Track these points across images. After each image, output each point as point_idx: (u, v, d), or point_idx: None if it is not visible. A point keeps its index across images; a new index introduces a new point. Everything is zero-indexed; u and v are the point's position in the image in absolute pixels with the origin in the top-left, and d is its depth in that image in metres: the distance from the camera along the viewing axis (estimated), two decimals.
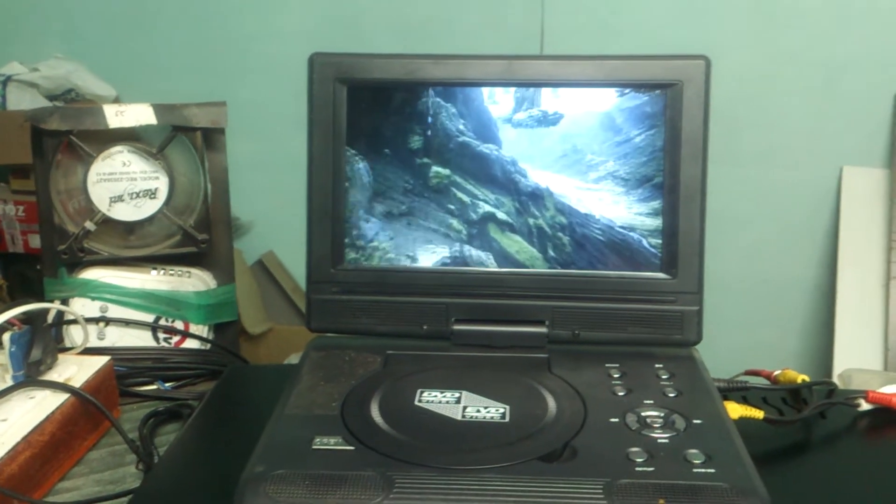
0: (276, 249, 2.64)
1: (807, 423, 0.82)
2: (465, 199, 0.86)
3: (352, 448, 0.66)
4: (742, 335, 2.39)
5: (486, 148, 0.85)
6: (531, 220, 0.85)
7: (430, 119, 0.85)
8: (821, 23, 2.27)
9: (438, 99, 0.84)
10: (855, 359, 2.17)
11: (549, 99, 0.84)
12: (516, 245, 0.85)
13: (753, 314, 2.44)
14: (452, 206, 0.86)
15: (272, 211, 2.40)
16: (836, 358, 2.19)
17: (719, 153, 2.36)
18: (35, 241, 2.43)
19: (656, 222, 0.83)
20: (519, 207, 0.85)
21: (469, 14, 2.41)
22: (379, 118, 0.85)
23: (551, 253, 0.84)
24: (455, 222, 0.86)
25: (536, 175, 0.85)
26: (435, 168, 0.86)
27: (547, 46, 2.37)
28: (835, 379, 1.90)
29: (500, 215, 0.85)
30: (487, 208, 0.85)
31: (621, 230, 0.83)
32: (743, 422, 0.76)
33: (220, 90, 2.52)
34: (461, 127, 0.85)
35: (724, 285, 2.33)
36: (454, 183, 0.86)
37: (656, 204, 0.83)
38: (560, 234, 0.84)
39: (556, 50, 2.36)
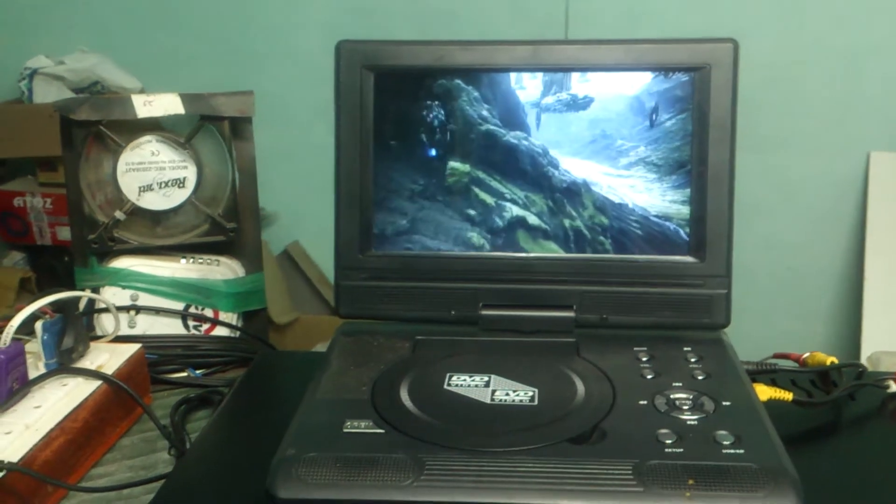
0: (301, 239, 2.66)
1: (836, 404, 0.82)
2: (489, 200, 0.85)
3: (382, 431, 0.67)
4: (768, 323, 2.38)
5: (513, 137, 0.84)
6: (567, 222, 0.84)
7: (450, 105, 0.84)
8: (845, 7, 2.26)
9: (459, 81, 0.84)
10: (883, 345, 2.16)
11: (579, 83, 0.83)
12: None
13: (779, 302, 2.43)
14: (472, 212, 0.85)
15: (298, 201, 2.41)
16: (864, 345, 2.18)
17: (744, 140, 2.35)
18: (63, 234, 2.45)
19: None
20: (552, 206, 0.85)
21: (491, 2, 2.41)
22: (403, 105, 0.85)
23: (569, 219, 0.84)
24: (474, 235, 0.85)
25: (570, 165, 0.84)
26: (452, 164, 0.85)
27: (571, 34, 2.36)
28: (863, 362, 1.89)
29: (532, 219, 0.85)
30: (516, 211, 0.85)
31: (657, 219, 0.83)
32: (772, 404, 0.76)
33: (245, 81, 2.53)
34: (485, 113, 0.85)
35: (750, 273, 2.33)
36: (476, 181, 0.85)
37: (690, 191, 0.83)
38: (601, 238, 0.84)
39: (580, 37, 2.36)
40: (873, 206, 2.31)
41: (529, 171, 0.85)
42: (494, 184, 0.85)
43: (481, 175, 0.85)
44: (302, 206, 2.37)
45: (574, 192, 0.84)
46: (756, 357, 0.87)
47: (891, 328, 2.20)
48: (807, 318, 2.45)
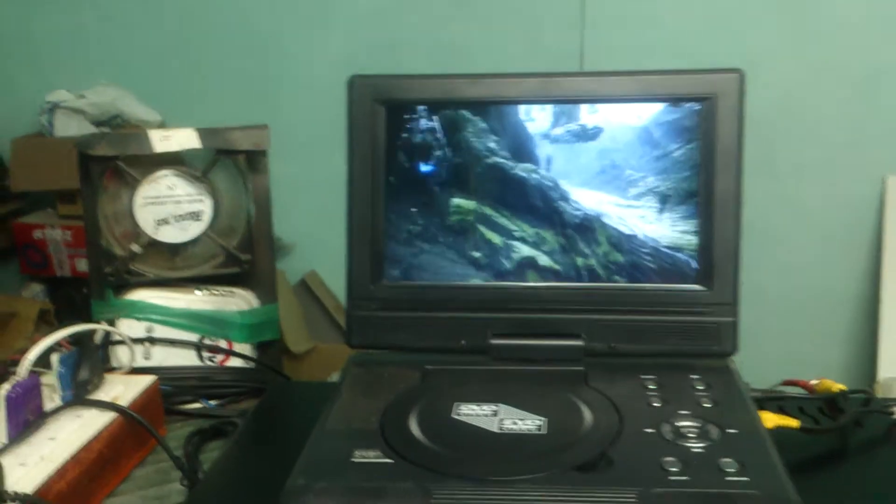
0: (318, 269, 2.67)
1: (843, 431, 0.82)
2: (497, 239, 0.85)
3: (391, 461, 0.67)
4: (784, 347, 2.37)
5: (522, 170, 0.85)
6: (580, 261, 0.85)
7: (457, 138, 0.85)
8: (858, 31, 2.26)
9: (467, 114, 0.85)
10: None
11: (588, 114, 0.84)
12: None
13: (795, 326, 2.42)
14: (478, 254, 0.86)
15: (314, 231, 2.42)
16: (881, 368, 2.17)
17: (758, 166, 2.35)
18: (81, 266, 2.47)
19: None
20: (565, 244, 0.85)
21: (506, 38, 2.42)
22: (413, 138, 0.86)
23: (583, 258, 0.85)
24: (478, 280, 0.86)
25: (580, 196, 0.84)
26: (456, 201, 0.86)
27: (587, 67, 2.38)
28: (875, 387, 1.88)
29: (543, 259, 0.85)
30: (526, 251, 0.85)
31: (667, 250, 0.84)
32: (779, 431, 0.77)
33: (263, 113, 2.55)
34: (492, 145, 0.85)
35: (766, 298, 2.33)
36: (483, 218, 0.86)
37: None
38: (616, 277, 0.85)
39: (596, 68, 2.37)
40: (889, 230, 2.30)
41: (540, 206, 0.85)
42: (503, 221, 0.86)
43: (488, 212, 0.86)
44: (319, 235, 2.37)
45: (587, 228, 0.85)
46: (771, 379, 0.87)
47: None
48: (823, 342, 2.43)
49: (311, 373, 2.39)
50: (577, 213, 0.85)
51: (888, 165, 2.32)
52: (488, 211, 0.86)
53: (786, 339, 2.40)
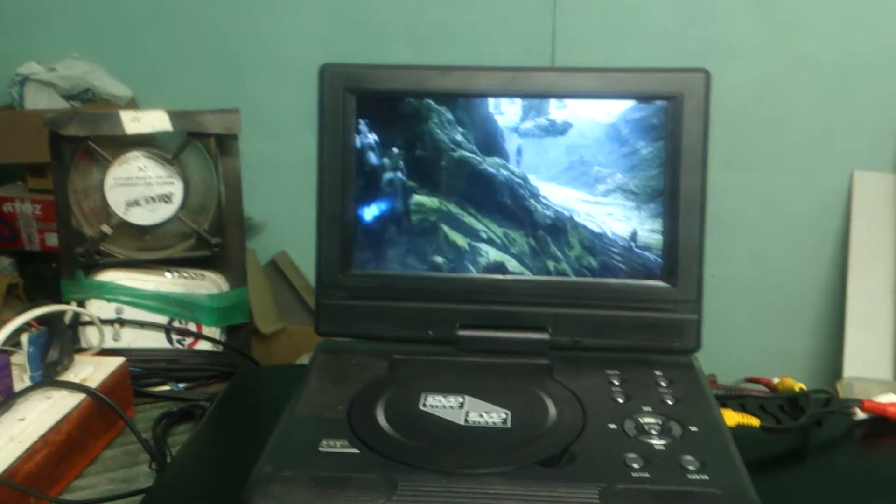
0: (288, 249, 2.67)
1: (803, 431, 0.84)
2: (461, 241, 0.85)
3: (357, 451, 0.68)
4: (751, 339, 2.41)
5: (490, 165, 0.85)
6: (552, 265, 0.85)
7: (423, 128, 0.85)
8: (831, 26, 2.28)
9: (435, 105, 0.85)
10: (864, 365, 2.18)
11: (557, 108, 0.85)
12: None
13: (762, 318, 2.45)
14: (440, 259, 0.86)
15: (285, 211, 2.42)
16: (846, 364, 2.20)
17: (729, 157, 2.38)
18: (51, 240, 2.46)
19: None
20: (535, 246, 0.86)
21: (481, 18, 2.43)
22: (382, 128, 0.86)
23: (554, 261, 0.86)
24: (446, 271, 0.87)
25: (553, 195, 0.84)
26: (419, 198, 0.86)
27: (558, 50, 2.39)
28: (844, 378, 1.90)
29: (512, 264, 0.86)
30: (493, 255, 0.85)
31: (634, 247, 0.84)
32: (739, 429, 0.78)
33: (235, 90, 2.56)
34: (460, 138, 0.85)
35: (734, 289, 2.36)
36: (447, 217, 0.86)
37: None
38: (583, 272, 0.85)
39: (567, 53, 2.38)
40: (856, 225, 2.33)
41: (509, 205, 0.85)
42: (469, 220, 0.86)
43: (454, 210, 0.86)
44: (290, 215, 2.38)
45: (559, 229, 0.85)
46: (738, 371, 0.89)
47: (873, 345, 2.22)
48: (790, 333, 2.47)
49: (280, 353, 2.40)
50: (548, 212, 0.85)
51: (857, 160, 2.35)
52: (454, 209, 0.86)
53: (753, 330, 2.43)
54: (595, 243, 0.85)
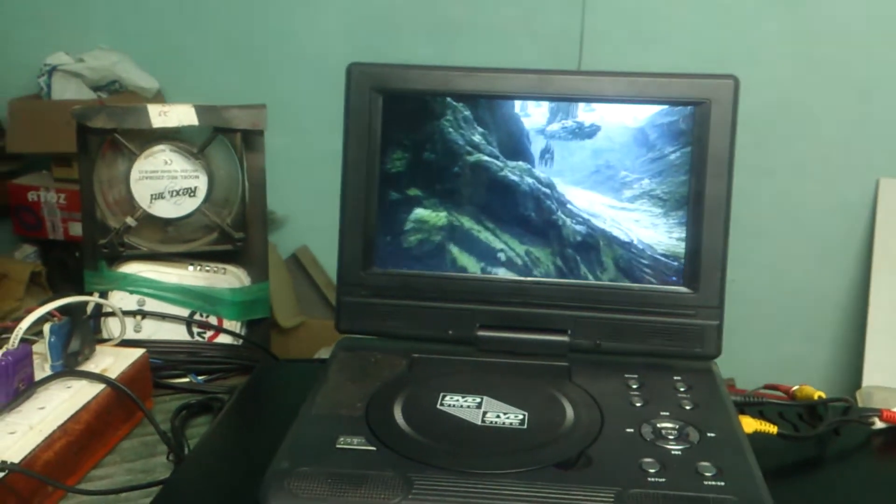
0: (310, 244, 2.68)
1: (820, 439, 0.83)
2: (473, 266, 0.84)
3: (374, 448, 0.69)
4: (771, 346, 2.39)
5: (513, 171, 0.84)
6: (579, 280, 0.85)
7: (439, 128, 0.84)
8: (857, 33, 2.27)
9: (460, 106, 0.84)
10: (885, 374, 2.17)
11: (584, 111, 0.84)
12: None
13: (783, 325, 2.44)
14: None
15: (308, 206, 2.42)
16: (866, 373, 2.19)
17: (753, 163, 2.36)
18: (75, 229, 2.48)
19: None
20: (563, 267, 0.85)
21: (508, 18, 2.42)
22: (407, 128, 0.86)
23: (570, 248, 0.86)
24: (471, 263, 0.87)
25: (582, 203, 0.83)
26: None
27: (586, 52, 2.38)
28: (864, 388, 1.89)
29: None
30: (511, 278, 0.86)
31: (658, 252, 0.84)
32: (757, 436, 0.78)
33: (260, 84, 2.57)
34: (479, 140, 0.84)
35: (756, 297, 2.34)
36: (456, 234, 0.85)
37: None
38: (605, 275, 0.85)
39: (595, 55, 2.37)
40: (880, 233, 2.31)
41: (533, 218, 0.85)
42: (485, 236, 0.85)
43: (467, 224, 0.85)
44: (312, 211, 2.38)
45: (590, 247, 0.85)
46: (758, 379, 0.88)
47: (892, 356, 2.20)
48: (810, 341, 2.45)
49: (299, 347, 2.40)
50: (579, 226, 0.84)
51: (882, 168, 2.33)
52: (467, 223, 0.85)
53: (773, 337, 2.42)
54: (630, 262, 0.84)
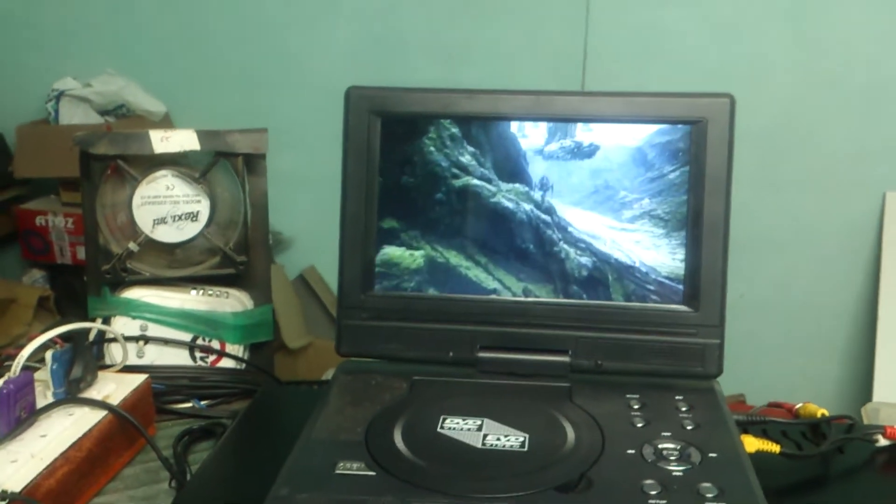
0: (317, 264, 2.68)
1: (824, 457, 0.83)
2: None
3: (373, 474, 0.68)
4: (780, 361, 2.39)
5: (507, 196, 0.83)
6: (574, 289, 0.85)
7: (419, 148, 0.84)
8: (861, 46, 2.27)
9: (454, 129, 0.84)
10: (895, 389, 2.16)
11: (582, 131, 0.85)
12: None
13: (792, 340, 2.43)
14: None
15: (314, 226, 2.42)
16: (876, 387, 2.18)
17: (759, 178, 2.36)
18: (82, 253, 2.47)
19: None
20: (568, 307, 0.86)
21: (510, 37, 2.43)
22: (406, 151, 0.87)
23: (576, 284, 0.86)
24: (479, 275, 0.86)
25: (583, 224, 0.83)
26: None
27: (589, 70, 2.38)
28: (874, 401, 1.88)
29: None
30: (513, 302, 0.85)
31: (659, 272, 0.84)
32: (759, 455, 0.78)
33: (267, 106, 2.58)
34: (466, 160, 0.84)
35: (763, 310, 2.34)
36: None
37: None
38: (605, 295, 0.84)
39: (598, 73, 2.37)
40: (888, 246, 2.31)
41: (531, 251, 0.85)
42: (476, 274, 0.85)
43: (453, 261, 0.84)
44: (319, 231, 2.38)
45: (599, 283, 0.85)
46: (767, 394, 0.88)
47: None
48: (820, 355, 2.44)
49: (307, 368, 2.40)
50: (584, 258, 0.84)
51: (888, 181, 2.33)
52: (453, 258, 0.85)
53: (782, 352, 2.41)
54: (632, 282, 0.84)
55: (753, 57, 2.30)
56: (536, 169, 0.85)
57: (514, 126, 0.85)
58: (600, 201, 0.84)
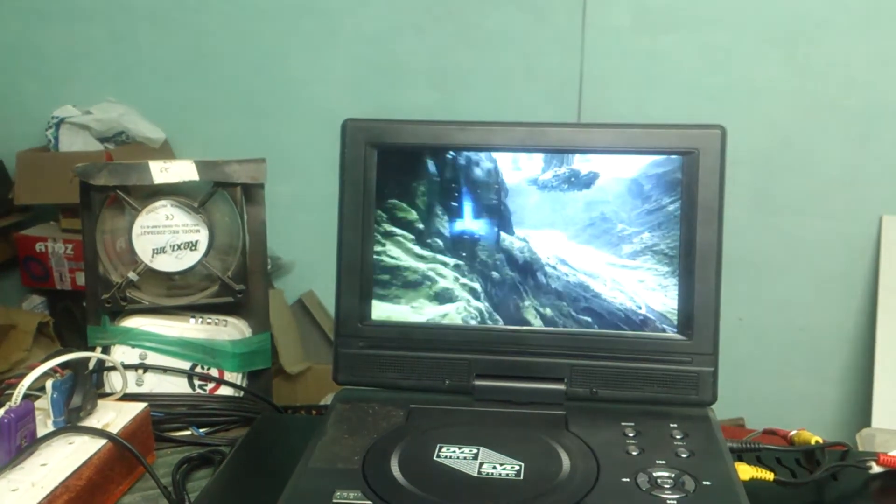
0: (316, 289, 2.69)
1: (818, 485, 0.83)
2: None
3: (370, 503, 0.69)
4: (779, 384, 2.39)
5: (502, 243, 0.85)
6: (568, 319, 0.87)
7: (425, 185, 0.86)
8: (857, 70, 2.29)
9: (450, 160, 0.86)
10: (894, 410, 2.16)
11: (580, 162, 0.86)
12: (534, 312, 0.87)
13: (791, 363, 2.44)
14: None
15: (313, 252, 2.43)
16: (875, 412, 2.18)
17: (756, 201, 2.37)
18: (82, 279, 2.49)
19: None
20: (557, 318, 0.87)
21: (508, 64, 2.44)
22: (402, 181, 0.88)
23: (571, 312, 0.87)
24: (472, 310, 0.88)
25: (579, 261, 0.84)
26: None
27: (585, 96, 2.40)
28: (872, 426, 1.88)
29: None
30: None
31: (659, 308, 0.85)
32: (754, 483, 0.78)
33: (265, 132, 2.59)
34: (462, 197, 0.85)
35: (762, 333, 2.35)
36: None
37: None
38: (599, 324, 0.86)
39: (594, 100, 2.39)
40: (885, 270, 2.32)
41: (527, 282, 0.87)
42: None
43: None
44: (318, 256, 2.39)
45: (593, 312, 0.86)
46: (765, 418, 0.88)
47: None
48: (819, 379, 2.45)
49: (305, 393, 2.41)
50: (581, 292, 0.86)
51: (885, 205, 2.34)
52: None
53: (781, 375, 2.42)
54: (626, 312, 0.85)
55: (750, 80, 2.31)
56: (529, 201, 0.86)
57: (509, 159, 0.86)
58: (597, 234, 0.85)
